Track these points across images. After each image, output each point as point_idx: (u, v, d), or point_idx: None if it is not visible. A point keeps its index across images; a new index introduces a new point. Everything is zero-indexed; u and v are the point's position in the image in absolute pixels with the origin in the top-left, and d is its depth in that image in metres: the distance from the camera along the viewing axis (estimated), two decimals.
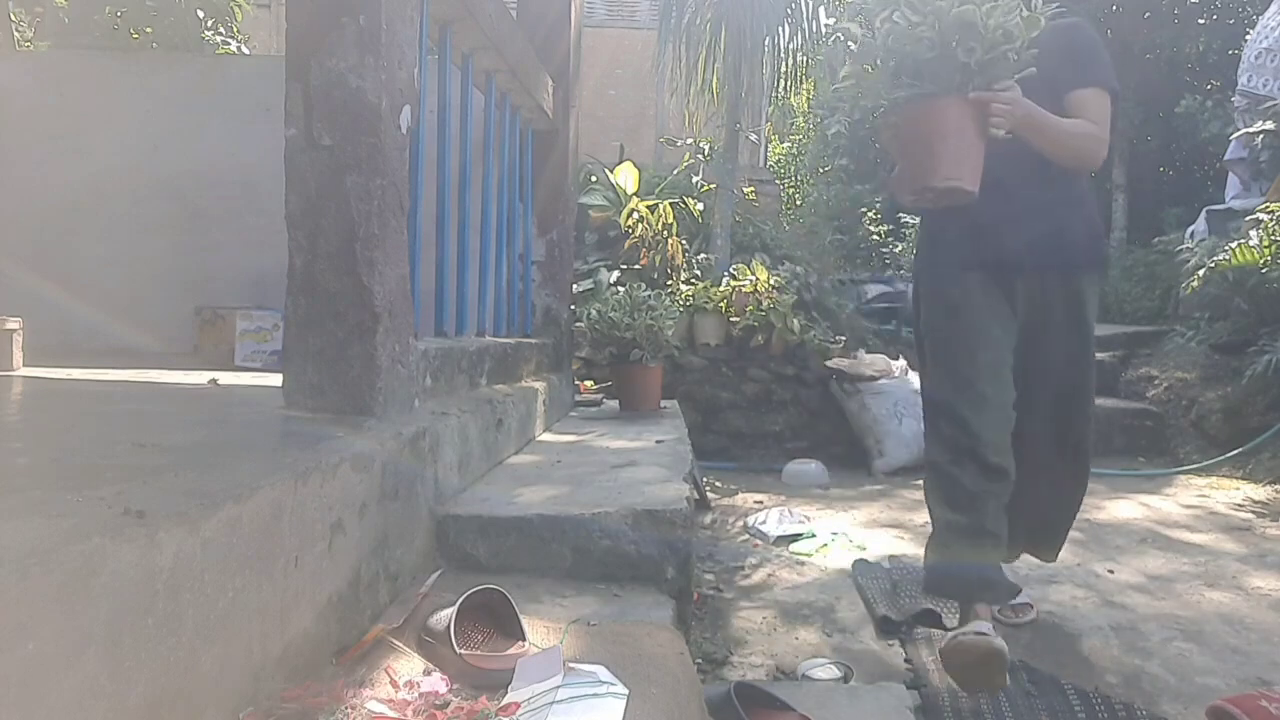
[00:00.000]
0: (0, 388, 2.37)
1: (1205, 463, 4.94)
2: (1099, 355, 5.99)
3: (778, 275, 5.71)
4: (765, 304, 5.35)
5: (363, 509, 1.43)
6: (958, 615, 2.19)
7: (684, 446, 2.93)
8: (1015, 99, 1.98)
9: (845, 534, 3.56)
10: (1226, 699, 1.89)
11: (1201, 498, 4.32)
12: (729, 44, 6.81)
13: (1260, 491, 4.39)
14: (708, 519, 3.85)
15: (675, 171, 7.81)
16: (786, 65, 7.06)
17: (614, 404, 4.02)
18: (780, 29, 6.97)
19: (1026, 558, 2.58)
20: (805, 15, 7.00)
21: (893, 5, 1.93)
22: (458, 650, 1.28)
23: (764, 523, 3.64)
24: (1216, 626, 2.54)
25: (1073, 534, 3.59)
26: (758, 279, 5.48)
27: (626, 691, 1.21)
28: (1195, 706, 2.04)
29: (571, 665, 1.28)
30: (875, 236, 9.44)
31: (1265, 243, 5.13)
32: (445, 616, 1.35)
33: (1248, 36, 7.37)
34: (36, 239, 4.37)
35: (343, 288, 1.66)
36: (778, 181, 11.86)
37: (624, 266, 5.95)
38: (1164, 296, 7.27)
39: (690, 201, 7.05)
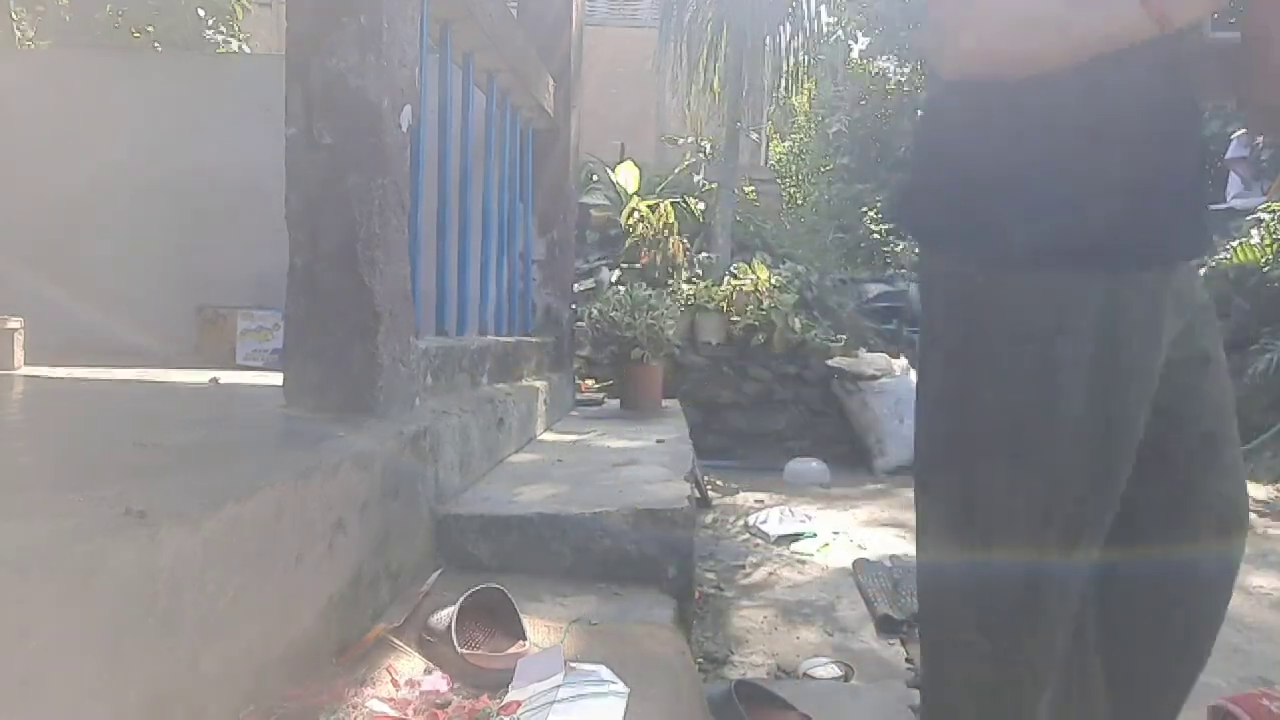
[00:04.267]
0: (1, 387, 2.37)
1: None
2: None
3: (779, 274, 5.71)
4: (766, 303, 5.35)
5: (364, 508, 1.43)
6: None
7: (685, 445, 2.93)
8: None
9: (846, 533, 3.56)
10: (1227, 698, 1.89)
11: None
12: (730, 43, 6.81)
13: (1261, 490, 4.39)
14: (709, 518, 3.85)
15: (676, 170, 7.81)
16: (788, 64, 7.07)
17: (615, 403, 4.02)
18: (781, 28, 6.98)
19: None
20: (807, 15, 7.01)
21: None
22: (459, 649, 1.28)
23: (765, 522, 3.64)
24: None
25: None
26: (759, 278, 5.48)
27: (627, 690, 1.21)
28: (1196, 704, 2.04)
29: (573, 664, 1.28)
30: (876, 235, 9.43)
31: (1266, 242, 5.13)
32: (446, 616, 1.35)
33: None
34: (37, 238, 4.36)
35: (344, 287, 1.66)
36: (779, 181, 11.86)
37: (625, 266, 5.95)
38: None
39: (691, 201, 7.05)
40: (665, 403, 4.05)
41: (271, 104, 1.82)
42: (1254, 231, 5.29)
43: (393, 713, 1.14)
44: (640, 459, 2.54)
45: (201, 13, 6.28)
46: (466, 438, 2.07)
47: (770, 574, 3.05)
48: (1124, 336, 1.00)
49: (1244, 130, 6.71)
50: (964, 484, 1.07)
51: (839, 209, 10.42)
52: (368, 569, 1.44)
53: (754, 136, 10.32)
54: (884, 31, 10.95)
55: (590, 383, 4.53)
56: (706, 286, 5.58)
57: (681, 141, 8.50)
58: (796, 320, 5.36)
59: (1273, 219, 5.18)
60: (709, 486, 4.34)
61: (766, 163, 12.30)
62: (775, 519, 3.66)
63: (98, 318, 4.18)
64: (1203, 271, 5.34)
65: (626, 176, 6.95)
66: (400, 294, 1.77)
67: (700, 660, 2.19)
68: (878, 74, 11.87)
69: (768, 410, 5.41)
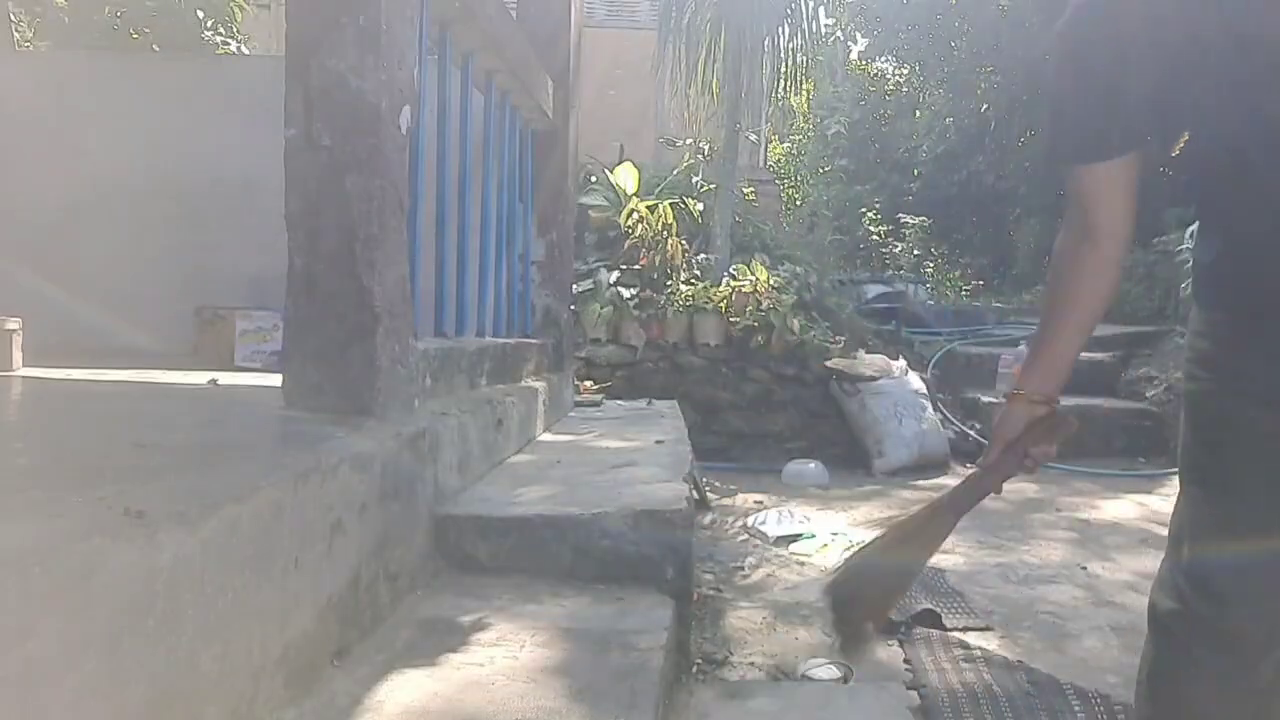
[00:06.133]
0: (0, 388, 2.37)
1: None
2: (1098, 356, 6.03)
3: (777, 275, 5.72)
4: (765, 304, 5.35)
5: (362, 509, 1.43)
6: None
7: (684, 447, 2.93)
8: None
9: (845, 534, 3.56)
10: None
11: None
12: (729, 44, 6.82)
13: None
14: (707, 519, 3.85)
15: (675, 172, 7.80)
16: (786, 66, 7.07)
17: (614, 404, 4.02)
18: (780, 29, 6.99)
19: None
20: (805, 16, 7.02)
21: None
22: None
23: (763, 523, 3.64)
24: None
25: (1069, 534, 3.60)
26: (757, 279, 5.48)
27: None
28: None
29: None
30: (875, 236, 9.45)
31: None
32: None
33: None
34: (36, 239, 4.36)
35: (342, 288, 1.66)
36: (777, 182, 11.86)
37: (624, 267, 5.95)
38: (1164, 297, 7.27)
39: (690, 202, 7.05)
40: (663, 403, 4.06)
41: (271, 105, 1.82)
42: None
43: None
44: (639, 460, 2.54)
45: (200, 14, 6.28)
46: (465, 439, 2.07)
47: (769, 575, 3.05)
48: None
49: None
50: None
51: (838, 210, 10.43)
52: (366, 570, 1.44)
53: (753, 137, 10.33)
54: (882, 33, 10.97)
55: (589, 384, 4.54)
56: (705, 288, 5.58)
57: (680, 143, 8.50)
58: (795, 321, 5.36)
59: None
60: (707, 487, 4.34)
61: (765, 164, 12.31)
62: (774, 520, 3.66)
63: (96, 318, 4.17)
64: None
65: (625, 177, 6.94)
66: (399, 295, 1.77)
67: (699, 661, 2.19)
68: (876, 75, 11.88)
69: (766, 411, 5.41)
